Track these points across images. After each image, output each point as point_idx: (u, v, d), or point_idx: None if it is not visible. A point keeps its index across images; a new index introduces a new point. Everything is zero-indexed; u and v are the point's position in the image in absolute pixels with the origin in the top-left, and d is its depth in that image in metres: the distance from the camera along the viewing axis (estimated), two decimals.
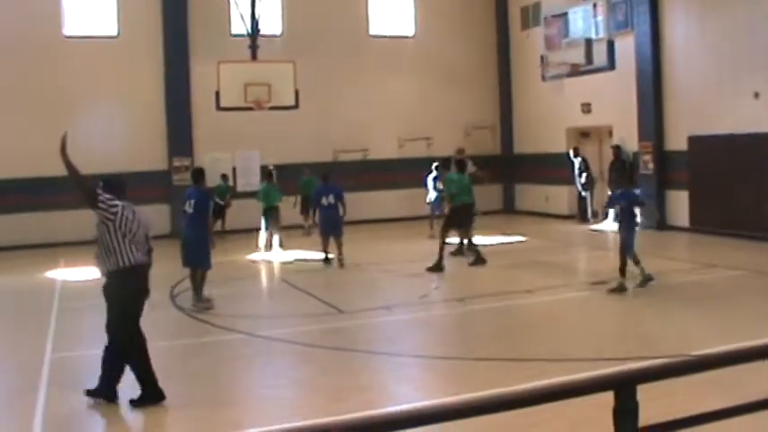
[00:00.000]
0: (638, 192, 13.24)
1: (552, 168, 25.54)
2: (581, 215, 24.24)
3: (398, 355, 10.05)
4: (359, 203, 24.54)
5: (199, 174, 13.54)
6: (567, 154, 24.31)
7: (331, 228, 17.37)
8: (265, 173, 20.98)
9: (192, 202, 12.95)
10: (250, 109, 20.94)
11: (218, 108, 20.89)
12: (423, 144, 26.74)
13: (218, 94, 20.59)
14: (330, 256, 17.49)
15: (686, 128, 20.65)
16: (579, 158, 24.03)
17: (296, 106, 21.38)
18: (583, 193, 24.13)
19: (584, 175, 23.81)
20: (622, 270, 13.24)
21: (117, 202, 7.99)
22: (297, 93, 20.98)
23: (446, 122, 27.29)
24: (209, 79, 21.57)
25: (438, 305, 13.17)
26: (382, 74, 26.40)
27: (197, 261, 13.05)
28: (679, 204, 21.07)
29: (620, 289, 13.15)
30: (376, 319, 12.13)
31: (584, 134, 25.58)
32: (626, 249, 13.34)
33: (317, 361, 9.97)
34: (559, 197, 25.45)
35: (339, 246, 17.20)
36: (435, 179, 20.72)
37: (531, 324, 11.73)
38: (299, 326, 11.73)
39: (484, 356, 9.61)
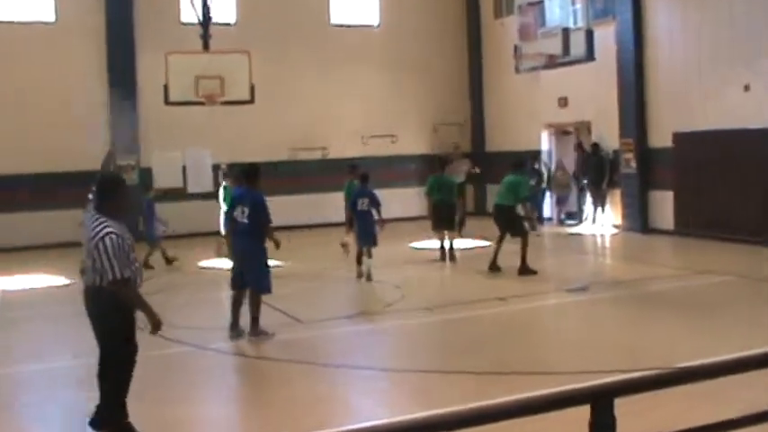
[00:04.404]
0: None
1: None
2: (578, 216, 24.18)
3: (361, 368, 10.06)
4: (318, 205, 24.53)
5: (253, 172, 11.94)
6: (578, 143, 24.26)
7: None
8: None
9: (246, 208, 11.50)
10: (201, 104, 20.80)
11: (167, 102, 20.71)
12: (387, 142, 26.75)
13: (166, 87, 20.41)
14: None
15: (671, 123, 20.82)
16: (582, 154, 23.95)
17: (251, 101, 21.25)
18: (586, 193, 23.96)
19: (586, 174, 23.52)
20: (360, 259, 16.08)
21: None
22: (252, 86, 20.86)
23: (412, 118, 27.36)
24: (156, 71, 21.36)
25: (405, 314, 13.12)
26: (344, 66, 26.37)
27: (252, 281, 11.66)
28: (664, 205, 21.23)
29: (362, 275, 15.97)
30: (337, 330, 12.11)
31: (563, 131, 25.70)
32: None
33: (273, 375, 9.92)
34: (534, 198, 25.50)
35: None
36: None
37: (504, 334, 11.75)
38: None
39: (453, 369, 9.60)
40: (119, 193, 7.44)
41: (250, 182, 11.86)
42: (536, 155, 24.66)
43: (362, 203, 16.17)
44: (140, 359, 10.69)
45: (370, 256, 16.16)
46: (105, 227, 7.14)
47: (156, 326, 7.37)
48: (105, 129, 23.74)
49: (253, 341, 11.39)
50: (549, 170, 24.91)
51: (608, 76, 22.22)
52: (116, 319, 7.32)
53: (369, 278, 15.87)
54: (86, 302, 7.48)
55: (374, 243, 16.19)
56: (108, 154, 7.62)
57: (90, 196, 7.48)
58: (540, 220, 23.15)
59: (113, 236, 7.08)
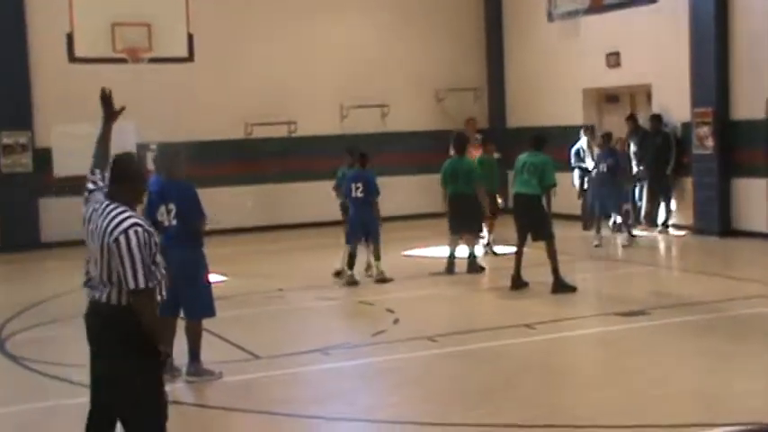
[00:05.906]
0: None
1: (563, 148, 25.43)
2: (648, 216, 23.78)
3: (338, 419, 10.05)
4: (282, 200, 24.46)
5: (173, 154, 12.41)
6: (631, 116, 23.92)
7: None
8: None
9: (172, 205, 11.57)
10: (122, 61, 20.73)
11: (72, 59, 20.65)
12: (375, 114, 26.70)
13: (70, 37, 20.32)
14: None
15: (765, 87, 20.74)
16: (637, 130, 23.62)
17: (190, 58, 21.21)
18: (642, 183, 23.61)
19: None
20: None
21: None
22: (191, 37, 20.84)
23: (409, 83, 27.36)
24: (56, 14, 21.25)
25: (399, 346, 13.07)
26: (317, 13, 26.28)
27: (189, 303, 11.70)
28: (752, 199, 21.27)
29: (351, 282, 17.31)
30: (308, 368, 12.12)
31: (611, 98, 25.68)
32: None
33: (219, 429, 9.93)
34: (574, 190, 25.34)
35: None
36: None
37: (532, 374, 11.72)
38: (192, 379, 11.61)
39: (463, 421, 9.59)
40: (139, 175, 7.25)
41: (168, 169, 11.91)
42: (607, 132, 23.50)
43: (356, 189, 17.27)
44: (37, 414, 10.62)
45: (378, 257, 17.62)
46: (128, 217, 6.73)
47: (164, 362, 7.02)
48: None
49: (191, 383, 11.34)
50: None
51: (676, 22, 22.15)
52: (143, 356, 6.81)
53: (381, 277, 17.57)
54: (91, 330, 7.14)
55: (375, 240, 17.62)
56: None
57: (89, 186, 7.15)
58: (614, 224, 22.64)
59: (139, 229, 6.66)
